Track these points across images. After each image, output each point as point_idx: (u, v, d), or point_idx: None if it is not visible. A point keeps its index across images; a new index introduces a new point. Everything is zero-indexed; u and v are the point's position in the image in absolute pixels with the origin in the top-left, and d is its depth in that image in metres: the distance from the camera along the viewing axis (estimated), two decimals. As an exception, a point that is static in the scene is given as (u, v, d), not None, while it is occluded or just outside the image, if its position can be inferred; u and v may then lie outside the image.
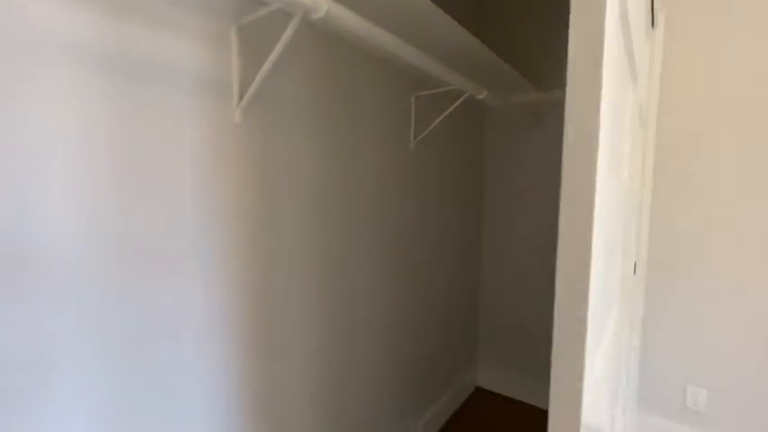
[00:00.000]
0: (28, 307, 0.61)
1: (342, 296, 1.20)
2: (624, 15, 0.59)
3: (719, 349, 1.54)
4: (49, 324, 0.63)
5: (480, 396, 2.08)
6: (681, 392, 1.62)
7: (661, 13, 1.53)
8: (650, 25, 1.47)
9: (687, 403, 1.60)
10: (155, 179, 0.73)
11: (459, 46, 1.09)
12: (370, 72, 1.22)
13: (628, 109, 0.85)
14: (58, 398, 0.65)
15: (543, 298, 1.92)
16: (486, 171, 2.04)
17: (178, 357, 0.80)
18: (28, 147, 0.59)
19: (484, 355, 2.13)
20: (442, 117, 1.35)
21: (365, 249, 1.28)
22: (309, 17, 0.76)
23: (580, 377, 0.45)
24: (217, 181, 0.83)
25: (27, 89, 0.58)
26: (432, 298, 1.70)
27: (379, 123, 1.28)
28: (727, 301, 1.51)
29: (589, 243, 0.43)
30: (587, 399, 0.49)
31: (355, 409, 1.31)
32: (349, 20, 0.81)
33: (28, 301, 0.61)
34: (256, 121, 0.90)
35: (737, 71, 1.45)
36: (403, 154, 1.40)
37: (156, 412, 0.78)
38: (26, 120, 0.59)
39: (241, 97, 0.84)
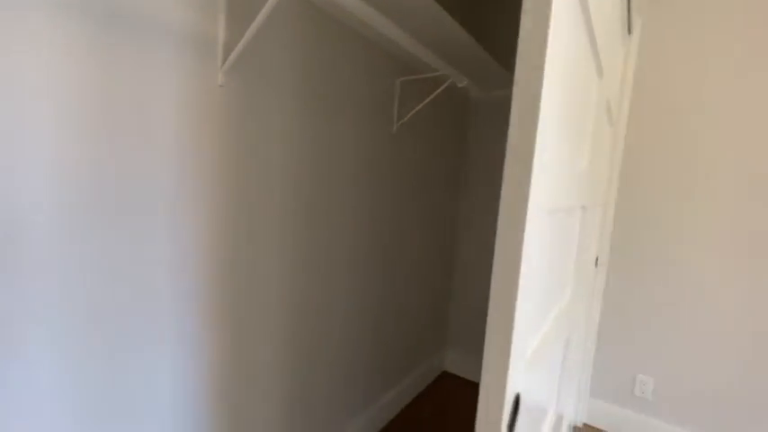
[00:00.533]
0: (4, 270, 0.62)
1: (314, 275, 1.23)
2: (585, 7, 0.64)
3: (668, 342, 1.64)
4: (19, 284, 0.64)
5: (446, 380, 2.15)
6: (630, 381, 1.72)
7: (638, 21, 1.60)
8: (626, 31, 1.54)
9: (635, 391, 1.71)
10: (131, 134, 0.75)
11: (440, 27, 1.12)
12: (357, 51, 1.24)
13: (592, 99, 0.90)
14: (24, 366, 0.67)
15: (511, 288, 2.00)
16: (466, 161, 2.09)
17: (149, 325, 0.82)
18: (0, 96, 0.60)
19: (453, 341, 2.20)
20: (425, 102, 1.39)
21: (340, 229, 1.31)
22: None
23: (507, 356, 0.49)
24: (195, 143, 0.85)
25: (2, 34, 0.59)
26: (405, 283, 1.75)
27: (363, 103, 1.31)
28: (678, 299, 1.61)
29: (522, 227, 0.47)
30: (516, 378, 0.53)
31: (323, 387, 1.35)
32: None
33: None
34: (239, 86, 0.91)
35: (708, 81, 1.53)
36: (385, 136, 1.44)
37: (120, 386, 0.80)
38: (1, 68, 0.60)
39: (225, 59, 0.85)
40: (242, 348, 1.04)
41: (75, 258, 0.70)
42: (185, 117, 0.82)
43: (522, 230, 0.47)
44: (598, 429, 1.81)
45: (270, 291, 1.09)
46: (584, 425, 1.84)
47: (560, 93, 0.57)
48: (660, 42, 1.61)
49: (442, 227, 2.00)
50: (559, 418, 1.31)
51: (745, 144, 1.47)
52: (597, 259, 1.70)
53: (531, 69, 0.44)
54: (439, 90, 1.36)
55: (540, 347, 0.71)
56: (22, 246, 0.64)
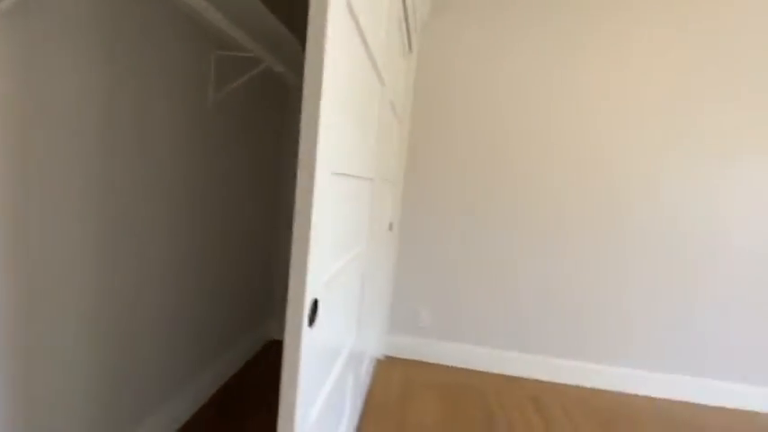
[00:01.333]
0: None
1: (127, 244, 1.18)
2: (358, 25, 0.90)
3: (438, 281, 2.26)
4: None
5: (274, 348, 2.31)
6: (415, 314, 2.29)
7: (416, 42, 2.10)
8: (408, 48, 2.00)
9: (418, 322, 2.29)
10: None
11: (250, 10, 1.22)
12: (169, 15, 1.23)
13: (375, 98, 1.21)
14: None
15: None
16: (289, 141, 2.26)
17: None
18: None
19: (280, 309, 2.37)
20: (241, 81, 1.47)
21: (156, 197, 1.28)
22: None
23: (305, 270, 0.70)
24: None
25: None
26: (228, 254, 1.80)
27: (174, 71, 1.30)
28: (445, 252, 2.24)
29: (312, 182, 0.68)
30: (314, 289, 0.75)
31: (140, 359, 1.30)
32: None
33: None
34: (18, 33, 0.82)
35: (467, 91, 2.15)
36: (200, 110, 1.45)
37: None
38: None
39: None
40: (37, 337, 0.94)
41: None
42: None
43: (312, 184, 0.69)
44: (395, 358, 2.32)
45: (66, 270, 1.01)
46: (385, 356, 2.33)
47: (340, 87, 0.81)
48: (435, 58, 2.16)
49: (267, 201, 2.12)
50: (362, 354, 1.67)
51: (497, 138, 2.16)
52: (391, 224, 2.17)
53: (315, 75, 0.65)
54: (255, 72, 1.48)
55: (338, 276, 0.97)
56: None
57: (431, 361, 2.32)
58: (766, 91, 1.99)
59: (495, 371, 2.28)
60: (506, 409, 1.92)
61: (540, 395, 2.09)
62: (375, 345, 2.22)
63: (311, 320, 0.74)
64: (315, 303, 0.75)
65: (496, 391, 2.09)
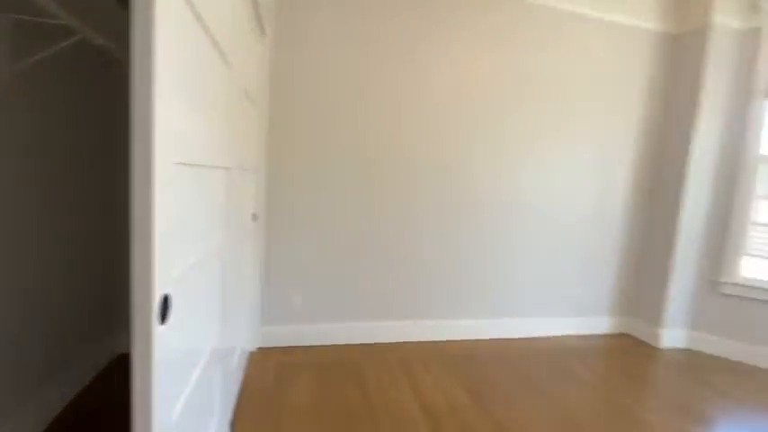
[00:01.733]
0: None
1: None
2: (198, 14, 0.86)
3: (307, 266, 2.32)
4: None
5: (123, 362, 2.03)
6: (287, 301, 2.31)
7: (268, 25, 2.05)
8: (261, 32, 1.94)
9: (292, 308, 2.31)
10: None
11: None
12: None
13: (223, 84, 1.17)
14: None
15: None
16: (124, 132, 1.95)
17: None
18: None
19: (126, 321, 2.08)
20: (46, 53, 1.21)
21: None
22: None
23: (150, 266, 0.67)
24: None
25: None
26: (51, 264, 1.49)
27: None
28: (315, 239, 2.30)
29: (150, 174, 0.65)
30: (164, 284, 0.72)
31: None
32: None
33: None
34: None
35: (326, 76, 2.19)
36: (-11, 87, 1.15)
37: None
38: None
39: None
40: None
41: None
42: None
43: (151, 175, 0.66)
44: (272, 348, 2.31)
45: None
46: (258, 349, 2.29)
47: (177, 74, 0.77)
48: (291, 42, 2.14)
49: (100, 203, 1.81)
50: (231, 349, 1.61)
51: (353, 124, 2.26)
52: (255, 215, 2.12)
53: (144, 51, 0.62)
54: (67, 43, 1.24)
55: (192, 270, 0.93)
56: None
57: (307, 344, 2.38)
58: (550, 96, 2.60)
59: (368, 342, 2.48)
60: (377, 374, 2.12)
61: (405, 356, 2.37)
62: (247, 338, 2.16)
63: (163, 317, 0.71)
64: (165, 299, 0.72)
65: (369, 360, 2.28)
